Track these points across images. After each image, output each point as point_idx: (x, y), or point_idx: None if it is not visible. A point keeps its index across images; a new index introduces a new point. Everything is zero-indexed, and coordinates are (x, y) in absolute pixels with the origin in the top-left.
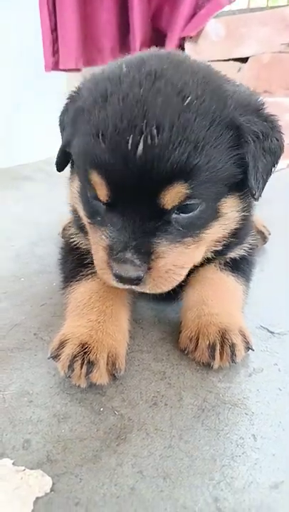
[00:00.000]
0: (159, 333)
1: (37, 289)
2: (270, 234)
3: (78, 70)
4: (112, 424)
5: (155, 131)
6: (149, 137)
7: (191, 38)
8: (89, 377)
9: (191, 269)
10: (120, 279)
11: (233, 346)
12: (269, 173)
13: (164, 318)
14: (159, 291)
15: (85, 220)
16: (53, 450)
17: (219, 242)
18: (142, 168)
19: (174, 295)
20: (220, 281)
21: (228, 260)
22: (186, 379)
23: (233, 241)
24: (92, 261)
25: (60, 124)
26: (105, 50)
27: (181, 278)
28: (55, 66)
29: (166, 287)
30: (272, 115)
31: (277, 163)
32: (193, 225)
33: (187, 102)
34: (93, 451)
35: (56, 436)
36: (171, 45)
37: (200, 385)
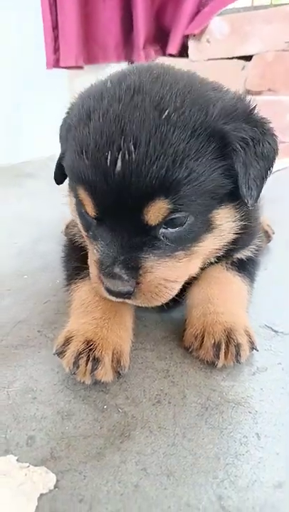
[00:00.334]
0: (162, 331)
1: (40, 286)
2: (274, 233)
3: (80, 67)
4: (115, 421)
5: (132, 146)
6: (126, 153)
7: (194, 35)
8: (94, 374)
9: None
10: (111, 292)
11: (238, 346)
12: (264, 178)
13: (167, 316)
14: (151, 305)
15: (83, 234)
16: (57, 447)
17: (219, 249)
18: (122, 185)
19: (173, 304)
20: (226, 281)
21: (234, 260)
22: (190, 377)
23: (235, 247)
24: None
25: (59, 137)
26: (109, 48)
27: (175, 292)
28: (57, 64)
29: (157, 301)
30: (262, 119)
31: (272, 166)
32: (184, 239)
33: (165, 115)
34: (97, 448)
35: (60, 433)
36: (174, 43)
37: (203, 384)
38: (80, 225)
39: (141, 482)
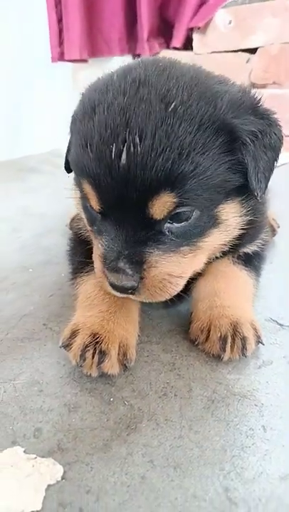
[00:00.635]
0: (168, 324)
1: (45, 280)
2: (279, 227)
3: (84, 60)
4: (122, 414)
5: (137, 139)
6: (131, 146)
7: (199, 28)
8: (100, 367)
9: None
10: (115, 287)
11: (244, 340)
12: (271, 169)
13: (172, 309)
14: (155, 300)
15: (88, 228)
16: (64, 439)
17: (225, 245)
18: (126, 178)
19: (177, 299)
20: (232, 275)
21: (241, 254)
22: (196, 370)
23: (241, 242)
24: None
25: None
26: (113, 41)
27: (179, 288)
28: (61, 57)
29: (161, 297)
30: (268, 110)
31: (278, 157)
32: (189, 234)
33: (171, 107)
34: (104, 440)
35: (67, 425)
36: (178, 36)
37: (209, 377)
38: (84, 220)
39: (148, 474)
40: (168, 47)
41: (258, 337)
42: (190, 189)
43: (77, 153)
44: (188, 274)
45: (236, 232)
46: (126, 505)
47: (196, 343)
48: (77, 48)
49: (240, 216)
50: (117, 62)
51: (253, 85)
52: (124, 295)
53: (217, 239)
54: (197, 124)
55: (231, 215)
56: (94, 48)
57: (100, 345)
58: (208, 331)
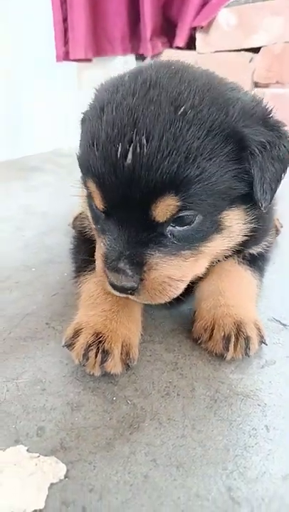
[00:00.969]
0: (171, 324)
1: (48, 279)
2: (282, 227)
3: (89, 60)
4: (124, 413)
5: (144, 140)
6: (138, 146)
7: (202, 28)
8: (103, 366)
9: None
10: (114, 287)
11: (247, 339)
12: (278, 180)
13: (175, 309)
14: (154, 302)
15: (92, 226)
16: (67, 438)
17: (227, 250)
18: (131, 178)
19: (176, 303)
20: (237, 274)
21: (246, 254)
22: (198, 370)
23: (244, 248)
24: None
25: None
26: (116, 41)
27: (179, 291)
28: (66, 56)
29: (161, 299)
30: (279, 122)
31: (286, 169)
32: (191, 238)
33: (181, 111)
34: (106, 439)
35: (70, 424)
36: (181, 35)
37: (212, 376)
38: (89, 218)
39: (150, 473)
40: (171, 46)
41: (262, 337)
42: (194, 193)
43: (84, 152)
44: (188, 278)
45: (239, 239)
46: (129, 503)
47: (199, 341)
48: (82, 47)
49: (245, 223)
50: (120, 61)
51: (256, 84)
52: (124, 295)
53: (219, 244)
54: (206, 130)
55: (235, 222)
56: (98, 47)
57: (102, 345)
58: (212, 330)
